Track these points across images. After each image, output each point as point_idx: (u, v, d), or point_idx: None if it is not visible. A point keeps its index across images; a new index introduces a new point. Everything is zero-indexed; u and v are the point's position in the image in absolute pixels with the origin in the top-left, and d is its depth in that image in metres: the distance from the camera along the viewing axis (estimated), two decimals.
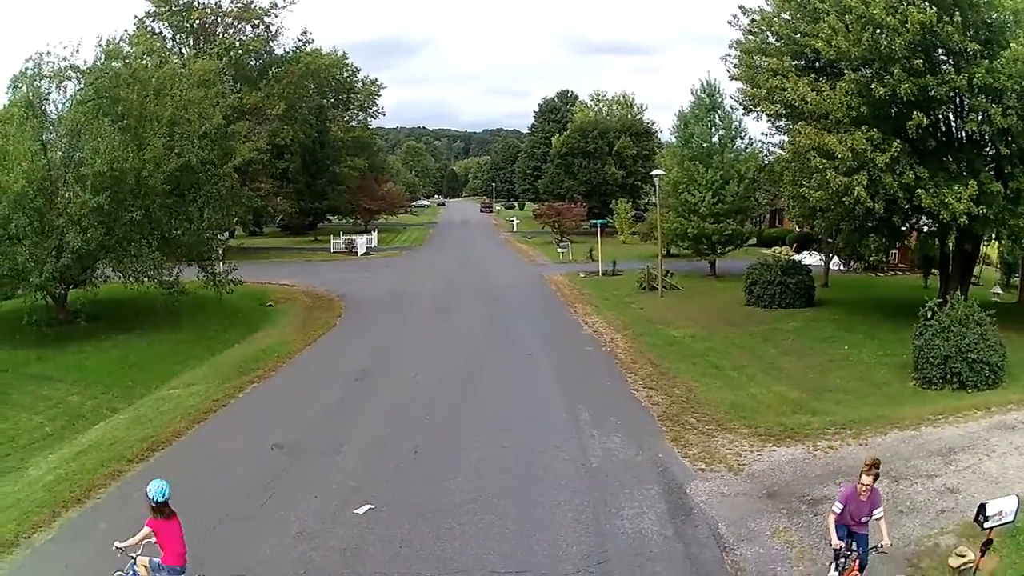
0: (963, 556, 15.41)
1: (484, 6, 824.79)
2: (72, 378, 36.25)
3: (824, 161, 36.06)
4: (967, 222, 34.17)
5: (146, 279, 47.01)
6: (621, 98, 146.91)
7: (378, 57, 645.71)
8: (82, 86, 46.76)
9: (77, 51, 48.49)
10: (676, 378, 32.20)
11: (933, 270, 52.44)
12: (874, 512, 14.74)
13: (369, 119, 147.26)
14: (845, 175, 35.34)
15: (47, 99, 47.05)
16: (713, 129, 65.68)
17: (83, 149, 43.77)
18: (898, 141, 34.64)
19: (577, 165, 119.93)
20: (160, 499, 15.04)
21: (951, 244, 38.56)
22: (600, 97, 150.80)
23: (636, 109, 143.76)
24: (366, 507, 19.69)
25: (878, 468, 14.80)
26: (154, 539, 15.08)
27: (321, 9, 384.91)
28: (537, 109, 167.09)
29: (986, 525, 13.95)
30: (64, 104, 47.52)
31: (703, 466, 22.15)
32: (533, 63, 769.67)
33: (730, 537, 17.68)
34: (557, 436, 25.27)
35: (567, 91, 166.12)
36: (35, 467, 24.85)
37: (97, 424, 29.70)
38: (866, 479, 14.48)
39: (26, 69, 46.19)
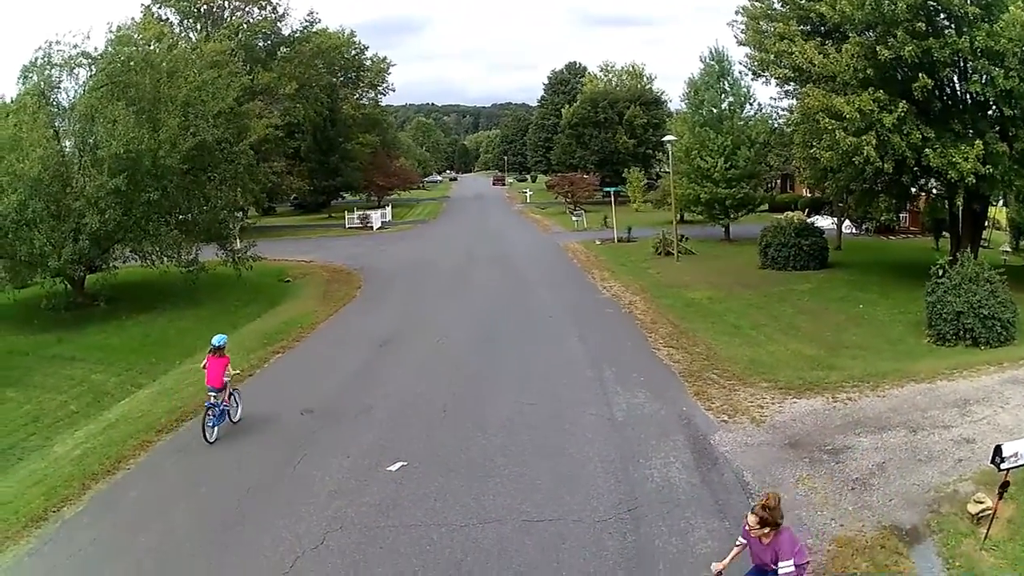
0: (981, 503, 15.76)
1: None
2: (95, 357, 36.34)
3: (833, 122, 36.17)
4: (974, 181, 34.42)
5: (165, 259, 47.30)
6: (631, 68, 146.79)
7: (384, 36, 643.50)
8: (94, 72, 46.86)
9: (88, 38, 48.86)
10: (695, 337, 32.52)
11: (944, 233, 52.55)
12: (779, 566, 11.97)
13: (379, 96, 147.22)
14: (854, 135, 35.48)
15: (58, 87, 47.23)
16: (723, 95, 65.64)
17: (98, 133, 43.91)
18: (904, 102, 34.81)
19: (588, 135, 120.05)
20: (218, 344, 23.81)
21: (960, 204, 38.71)
22: (609, 68, 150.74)
23: (646, 79, 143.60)
24: (399, 464, 20.08)
25: (771, 511, 12.03)
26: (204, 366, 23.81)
27: None
28: (547, 81, 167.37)
29: (1003, 467, 14.25)
30: (76, 91, 47.68)
31: (726, 418, 22.51)
32: (538, 38, 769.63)
33: (755, 484, 17.98)
34: (582, 393, 25.63)
35: (575, 63, 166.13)
36: (61, 444, 24.96)
37: (122, 400, 29.80)
38: (751, 519, 12.09)
39: (36, 58, 46.38)
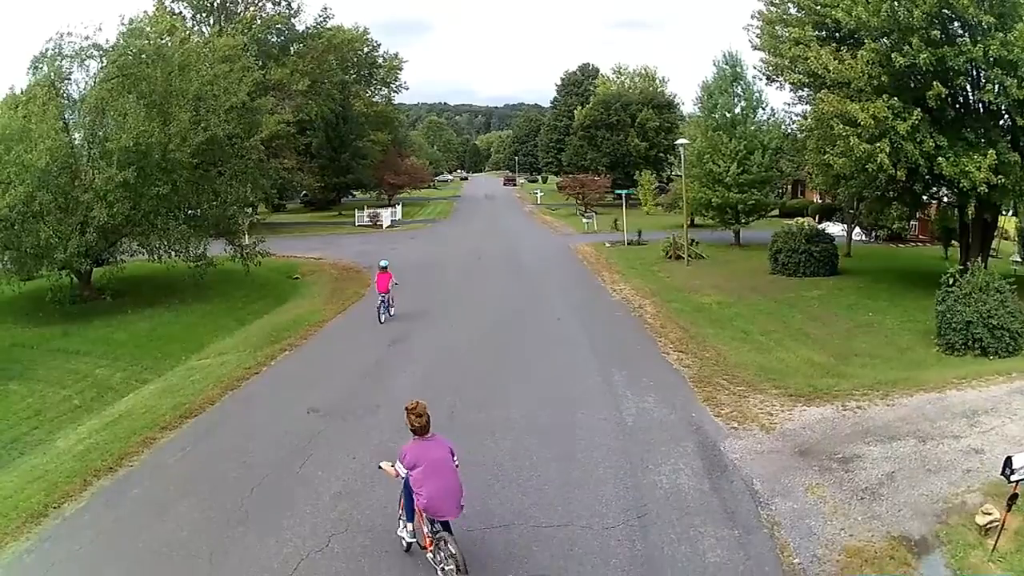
0: (989, 514, 15.56)
1: None
2: (99, 351, 36.49)
3: (847, 128, 36.07)
4: (986, 191, 34.31)
5: (173, 253, 47.30)
6: (643, 71, 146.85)
7: (396, 36, 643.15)
8: (105, 64, 46.95)
9: (100, 30, 48.87)
10: (705, 342, 32.33)
11: (953, 241, 52.48)
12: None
13: (392, 93, 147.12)
14: (868, 142, 35.35)
15: (68, 79, 47.45)
16: (736, 100, 65.55)
17: (108, 126, 43.93)
18: (918, 110, 34.73)
19: (600, 137, 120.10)
20: (383, 265, 38.77)
21: (971, 212, 38.59)
22: (622, 70, 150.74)
23: (659, 82, 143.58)
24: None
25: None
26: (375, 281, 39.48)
27: None
28: (559, 83, 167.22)
29: (1013, 478, 14.13)
30: (87, 83, 47.83)
31: (736, 425, 22.33)
32: (551, 39, 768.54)
33: (765, 492, 17.82)
34: (591, 397, 25.42)
35: (588, 64, 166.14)
36: (63, 439, 24.87)
37: (127, 396, 29.76)
38: None
39: (47, 49, 46.58)
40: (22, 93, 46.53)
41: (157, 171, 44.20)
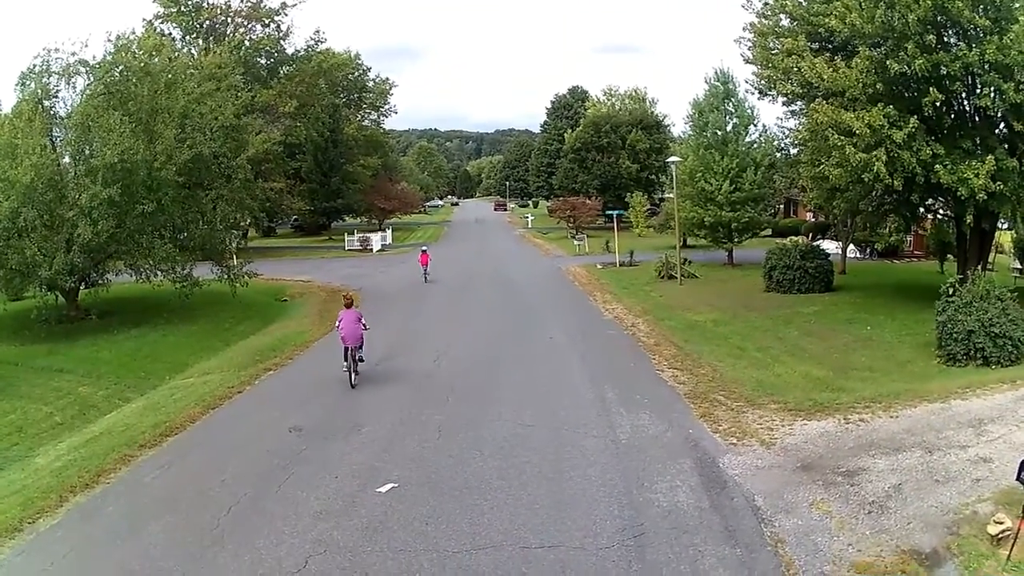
0: (1001, 523, 15.10)
1: (487, 10, 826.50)
2: (83, 370, 36.16)
3: (842, 138, 35.78)
4: (985, 198, 34.03)
5: (159, 273, 46.89)
6: (633, 92, 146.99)
7: (386, 61, 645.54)
8: (91, 81, 46.67)
9: (86, 46, 48.61)
10: (700, 359, 31.77)
11: (948, 256, 52.27)
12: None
13: (382, 117, 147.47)
14: (864, 151, 35.05)
15: (56, 95, 47.15)
16: (728, 117, 65.38)
17: (93, 143, 43.61)
18: (914, 118, 34.46)
19: (591, 159, 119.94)
20: (424, 249, 63.74)
21: (969, 222, 38.18)
22: (612, 92, 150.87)
23: (648, 103, 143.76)
24: (389, 485, 19.21)
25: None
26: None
27: (328, 15, 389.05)
28: (549, 106, 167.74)
29: None
30: (73, 99, 47.47)
31: (735, 440, 21.69)
32: (541, 64, 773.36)
33: (767, 509, 17.16)
34: (584, 414, 24.79)
35: (578, 87, 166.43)
36: (43, 455, 24.71)
37: (109, 414, 29.49)
38: None
39: (34, 65, 46.35)
40: (11, 110, 46.48)
41: (142, 189, 43.92)
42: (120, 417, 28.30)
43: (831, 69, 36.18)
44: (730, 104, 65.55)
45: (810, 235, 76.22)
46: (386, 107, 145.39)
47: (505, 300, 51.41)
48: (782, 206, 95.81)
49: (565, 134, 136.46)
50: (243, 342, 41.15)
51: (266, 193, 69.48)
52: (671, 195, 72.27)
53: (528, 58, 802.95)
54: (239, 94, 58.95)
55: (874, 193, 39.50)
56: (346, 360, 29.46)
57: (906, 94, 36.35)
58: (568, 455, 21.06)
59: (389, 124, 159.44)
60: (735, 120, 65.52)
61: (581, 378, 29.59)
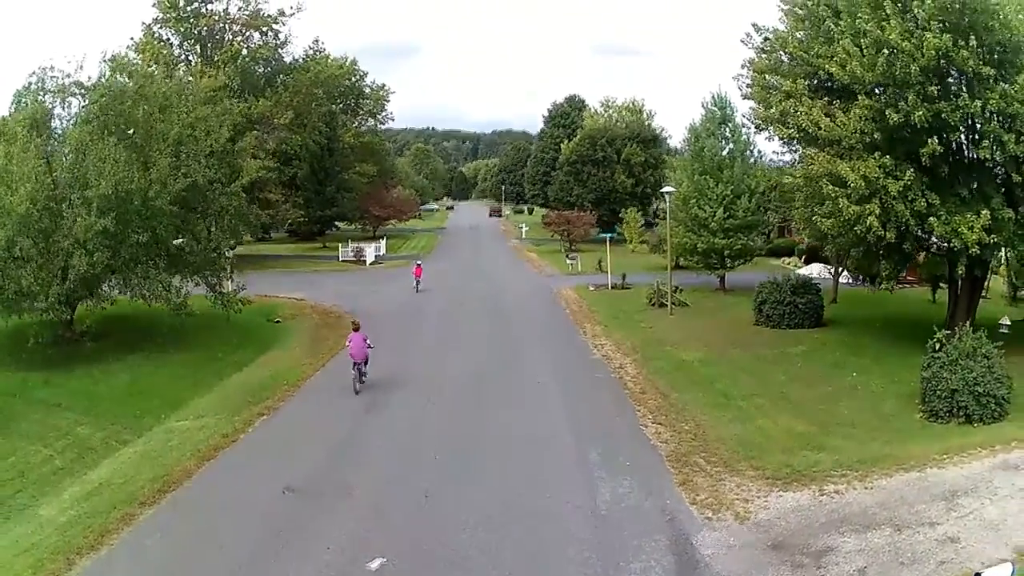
0: None
1: (486, 10, 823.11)
2: (81, 406, 36.17)
3: (836, 189, 35.96)
4: (979, 251, 34.13)
5: (154, 300, 47.01)
6: (631, 104, 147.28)
7: (384, 59, 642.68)
8: (87, 103, 46.73)
9: (81, 67, 48.50)
10: (684, 411, 32.22)
11: (941, 284, 52.55)
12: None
13: (378, 124, 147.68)
14: (857, 204, 35.26)
15: (51, 116, 47.10)
16: (724, 142, 65.88)
17: (88, 169, 43.57)
18: (911, 169, 34.52)
19: (587, 173, 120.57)
20: (418, 262, 72.46)
21: (961, 270, 38.29)
22: (609, 103, 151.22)
23: (645, 115, 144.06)
24: (379, 561, 19.72)
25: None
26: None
27: (326, 13, 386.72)
28: (546, 114, 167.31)
29: None
30: (69, 121, 47.60)
31: (710, 514, 22.16)
32: (540, 65, 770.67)
33: None
34: (567, 479, 25.35)
35: (575, 96, 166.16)
36: (46, 506, 24.99)
37: (107, 458, 29.73)
38: None
39: (29, 84, 46.37)
40: (4, 128, 46.00)
41: (137, 218, 43.68)
42: (118, 465, 28.63)
43: (828, 118, 36.08)
44: (727, 129, 66.04)
45: (803, 257, 76.55)
46: (383, 114, 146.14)
47: (495, 334, 51.71)
48: (776, 227, 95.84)
49: (562, 144, 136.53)
50: (237, 375, 41.41)
51: (259, 217, 69.36)
52: (665, 213, 72.41)
53: (527, 58, 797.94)
54: (234, 111, 58.71)
55: (866, 241, 39.36)
56: (353, 371, 36.01)
57: (905, 140, 35.95)
58: (548, 529, 21.56)
59: (386, 125, 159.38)
60: (731, 145, 65.99)
61: (566, 435, 29.97)
